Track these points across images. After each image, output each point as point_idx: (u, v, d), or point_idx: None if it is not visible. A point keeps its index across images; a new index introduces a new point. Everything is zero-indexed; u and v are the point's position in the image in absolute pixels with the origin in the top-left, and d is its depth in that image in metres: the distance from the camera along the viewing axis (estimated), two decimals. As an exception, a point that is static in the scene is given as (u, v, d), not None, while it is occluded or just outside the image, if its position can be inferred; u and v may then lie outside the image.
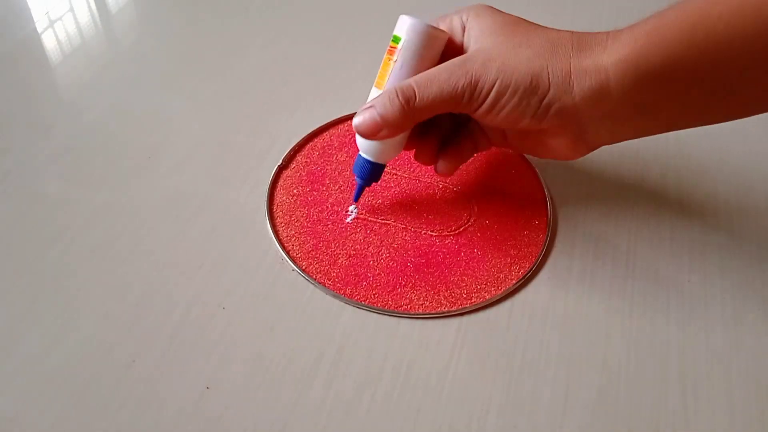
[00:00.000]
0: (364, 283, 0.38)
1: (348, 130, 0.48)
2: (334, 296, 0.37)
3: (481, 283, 0.38)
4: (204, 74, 0.52)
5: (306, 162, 0.45)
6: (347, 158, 0.45)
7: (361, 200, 0.42)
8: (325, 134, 0.47)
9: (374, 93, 0.37)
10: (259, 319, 0.36)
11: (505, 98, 0.32)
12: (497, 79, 0.32)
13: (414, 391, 0.34)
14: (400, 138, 0.37)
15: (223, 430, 0.32)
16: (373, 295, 0.38)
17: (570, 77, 0.32)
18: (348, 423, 0.32)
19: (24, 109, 0.49)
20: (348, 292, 0.38)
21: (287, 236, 0.40)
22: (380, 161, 0.39)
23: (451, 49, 0.36)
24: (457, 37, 0.36)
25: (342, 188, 0.43)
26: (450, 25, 0.36)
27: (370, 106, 0.35)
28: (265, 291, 0.38)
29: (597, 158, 0.46)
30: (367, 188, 0.41)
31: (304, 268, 0.39)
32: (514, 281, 0.38)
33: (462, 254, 0.40)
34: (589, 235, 0.41)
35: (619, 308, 0.37)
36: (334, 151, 0.46)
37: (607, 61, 0.31)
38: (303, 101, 0.50)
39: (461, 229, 0.41)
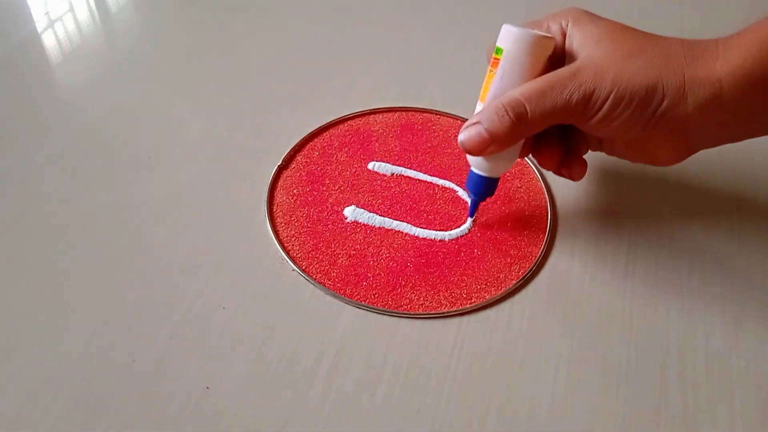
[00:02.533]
0: (364, 283, 0.38)
1: (348, 130, 0.48)
2: (334, 296, 0.37)
3: (481, 283, 0.38)
4: (204, 74, 0.52)
5: (306, 162, 0.45)
6: (347, 158, 0.45)
7: (362, 200, 0.42)
8: (325, 134, 0.47)
9: (478, 108, 0.35)
10: (259, 319, 0.36)
11: (619, 110, 0.32)
12: (612, 91, 0.32)
13: (414, 391, 0.34)
14: (513, 150, 0.36)
15: (223, 430, 0.32)
16: (373, 295, 0.38)
17: (684, 88, 0.31)
18: (348, 423, 0.32)
19: (24, 109, 0.49)
20: (348, 292, 0.38)
21: (287, 236, 0.40)
22: (494, 176, 0.37)
23: (553, 56, 0.35)
24: (558, 44, 0.35)
25: (342, 188, 0.43)
26: (548, 30, 0.35)
27: (476, 122, 0.34)
28: (265, 291, 0.38)
29: (597, 158, 0.46)
30: (367, 189, 0.40)
31: (304, 268, 0.39)
32: (514, 281, 0.38)
33: (462, 254, 0.40)
34: (589, 235, 0.41)
35: (619, 308, 0.37)
36: (334, 151, 0.46)
37: (720, 71, 0.31)
38: (303, 101, 0.50)
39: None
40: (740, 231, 0.41)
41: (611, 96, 0.32)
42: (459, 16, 0.59)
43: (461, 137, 0.35)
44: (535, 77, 0.33)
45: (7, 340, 0.35)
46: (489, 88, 0.35)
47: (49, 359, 0.34)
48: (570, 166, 0.38)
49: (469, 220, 0.41)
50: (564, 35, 0.35)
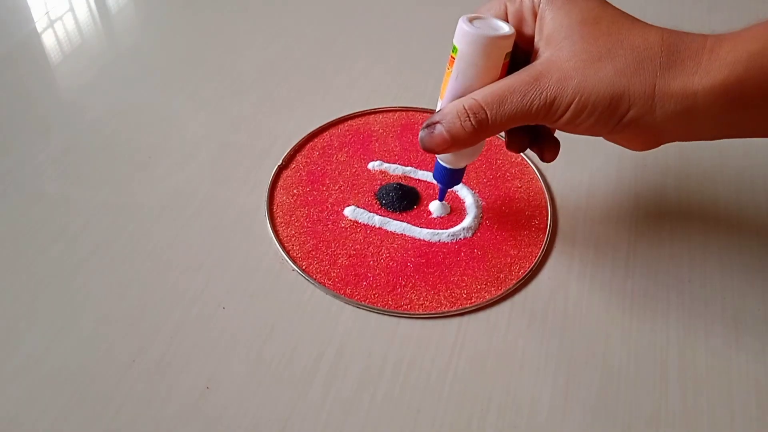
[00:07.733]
0: (364, 283, 0.38)
1: (348, 130, 0.48)
2: (334, 296, 0.37)
3: (481, 283, 0.38)
4: (204, 74, 0.52)
5: (306, 162, 0.45)
6: (347, 158, 0.45)
7: (362, 200, 0.42)
8: (325, 134, 0.47)
9: (439, 104, 0.35)
10: (259, 319, 0.36)
11: (582, 117, 0.31)
12: (574, 99, 0.30)
13: (414, 391, 0.34)
14: (477, 146, 0.35)
15: (223, 430, 0.32)
16: (373, 295, 0.38)
17: (653, 100, 0.30)
18: (348, 423, 0.32)
19: (24, 109, 0.49)
20: (348, 292, 0.38)
21: (287, 236, 0.40)
22: (458, 167, 0.38)
23: (520, 39, 0.33)
24: (528, 25, 0.33)
25: (342, 188, 0.43)
26: (520, 6, 0.33)
27: (437, 122, 0.33)
28: (265, 291, 0.38)
29: (597, 158, 0.46)
30: (367, 189, 0.41)
31: (304, 268, 0.39)
32: (514, 281, 0.38)
33: (462, 254, 0.40)
34: (589, 235, 0.41)
35: (619, 308, 0.37)
36: (334, 151, 0.46)
37: (698, 85, 0.29)
38: (303, 101, 0.50)
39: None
40: (740, 231, 0.41)
41: (573, 104, 0.31)
42: (458, 15, 0.59)
43: (422, 135, 0.34)
44: (494, 77, 0.32)
45: (8, 340, 0.35)
46: (446, 87, 0.34)
47: (49, 359, 0.34)
48: (542, 145, 0.37)
49: (469, 218, 0.41)
50: (535, 15, 0.33)
